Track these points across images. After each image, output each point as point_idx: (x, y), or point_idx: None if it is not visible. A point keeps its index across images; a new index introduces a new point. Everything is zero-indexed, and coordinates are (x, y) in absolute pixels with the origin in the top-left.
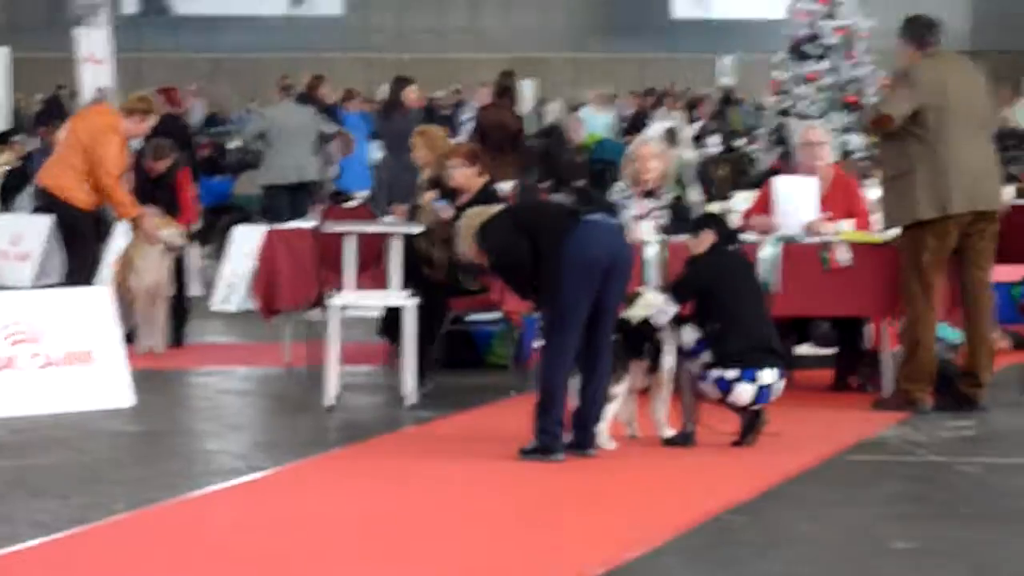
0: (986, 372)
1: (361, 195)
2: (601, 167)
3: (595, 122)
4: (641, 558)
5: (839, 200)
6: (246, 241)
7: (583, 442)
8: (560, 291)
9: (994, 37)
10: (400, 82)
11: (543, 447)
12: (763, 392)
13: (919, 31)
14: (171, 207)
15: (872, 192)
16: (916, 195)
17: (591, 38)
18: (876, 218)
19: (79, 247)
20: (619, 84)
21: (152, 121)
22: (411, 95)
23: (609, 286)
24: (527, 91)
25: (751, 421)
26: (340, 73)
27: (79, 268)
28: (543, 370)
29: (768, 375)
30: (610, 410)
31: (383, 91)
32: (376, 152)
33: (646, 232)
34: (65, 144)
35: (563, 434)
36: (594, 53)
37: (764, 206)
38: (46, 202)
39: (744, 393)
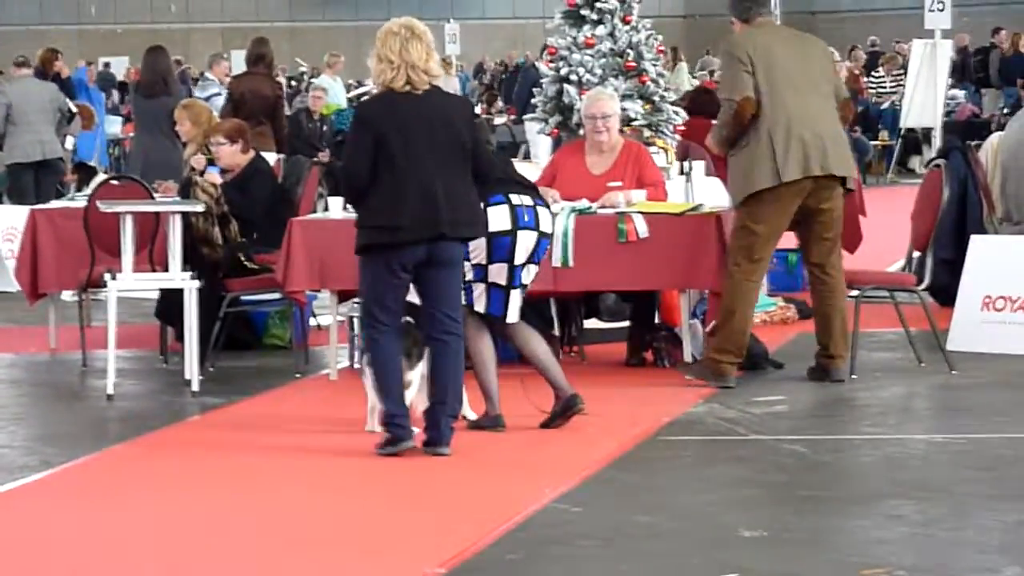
0: (840, 345)
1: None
2: (341, 137)
3: (335, 89)
4: (477, 556)
5: (629, 170)
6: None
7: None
8: None
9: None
10: (160, 53)
11: None
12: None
13: (743, 4)
14: None
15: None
16: (751, 166)
17: (306, 8)
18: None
19: None
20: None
21: None
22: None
23: None
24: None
25: (566, 404)
26: (52, 45)
27: None
28: None
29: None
30: (408, 395)
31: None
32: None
33: None
34: None
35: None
36: (309, 22)
37: (551, 179)
38: None
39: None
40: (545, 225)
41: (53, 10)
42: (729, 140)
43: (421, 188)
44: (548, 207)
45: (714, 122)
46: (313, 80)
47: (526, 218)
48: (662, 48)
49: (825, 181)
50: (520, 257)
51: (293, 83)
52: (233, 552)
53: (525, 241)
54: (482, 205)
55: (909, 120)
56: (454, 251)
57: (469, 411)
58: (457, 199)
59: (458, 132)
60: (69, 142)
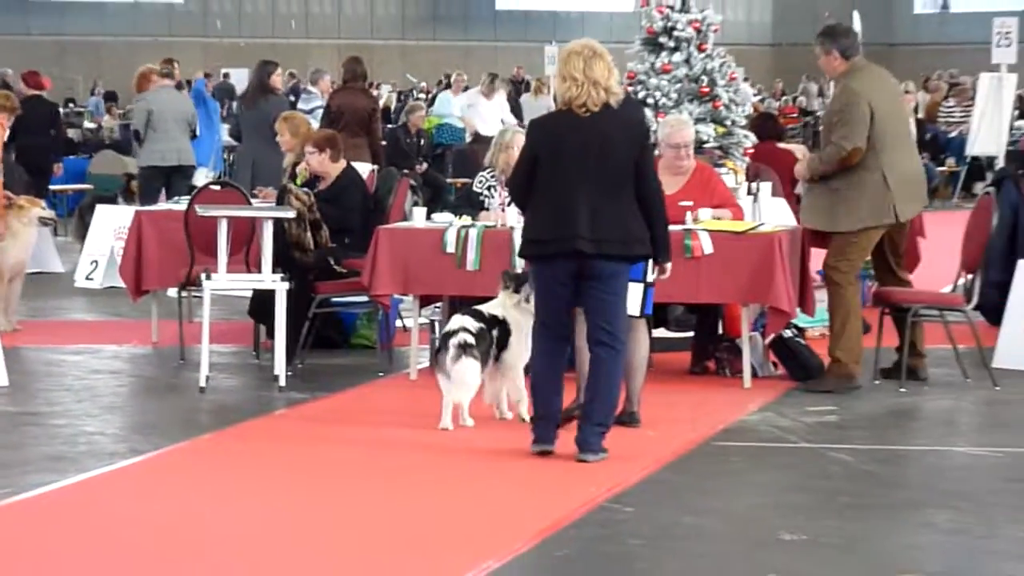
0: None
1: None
2: (441, 150)
3: (449, 106)
4: (540, 544)
5: (701, 191)
6: (109, 220)
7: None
8: None
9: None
10: (266, 66)
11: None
12: None
13: (847, 42)
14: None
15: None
16: (866, 202)
17: (418, 27)
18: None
19: None
20: (444, 71)
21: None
22: (275, 78)
23: None
24: None
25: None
26: (179, 57)
27: None
28: None
29: None
30: (469, 395)
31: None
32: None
33: (512, 218)
34: None
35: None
36: (422, 41)
37: None
38: None
39: None
40: None
41: (181, 24)
42: (826, 175)
43: (563, 206)
44: None
45: (780, 145)
46: (419, 95)
47: None
48: (735, 75)
49: None
50: None
51: (403, 97)
52: (304, 540)
53: None
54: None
55: (975, 148)
56: (602, 267)
57: (525, 412)
58: (605, 218)
59: (619, 153)
60: None
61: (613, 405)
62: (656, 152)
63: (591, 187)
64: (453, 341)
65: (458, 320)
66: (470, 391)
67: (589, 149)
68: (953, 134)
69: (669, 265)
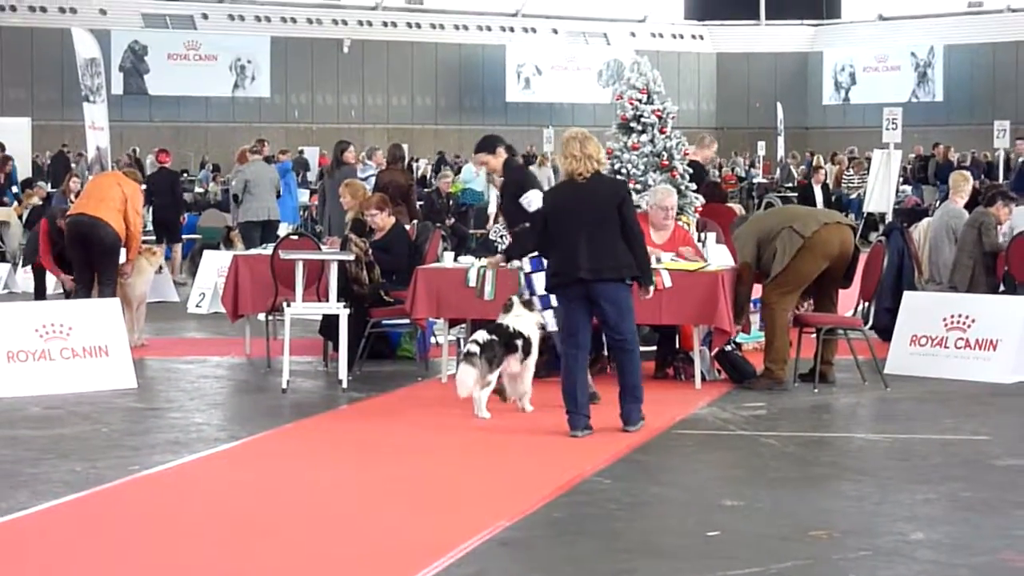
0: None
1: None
2: (465, 208)
3: (471, 175)
4: (541, 508)
5: (678, 242)
6: (214, 261)
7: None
8: None
9: (733, 118)
10: (342, 144)
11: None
12: None
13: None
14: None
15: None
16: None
17: (447, 114)
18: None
19: (112, 265)
20: (468, 150)
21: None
22: (349, 154)
23: None
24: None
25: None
26: (267, 138)
27: (111, 281)
28: None
29: None
30: (485, 393)
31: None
32: (304, 196)
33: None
34: (106, 192)
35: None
36: (449, 126)
37: None
38: (91, 230)
39: None
40: None
41: (268, 113)
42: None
43: (569, 248)
44: None
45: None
46: (448, 167)
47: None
48: (687, 151)
49: None
50: None
51: (433, 168)
52: (365, 500)
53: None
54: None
55: (870, 206)
56: (604, 290)
57: (528, 404)
58: (599, 252)
59: (608, 205)
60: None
61: (640, 388)
62: (645, 210)
63: (587, 231)
64: (462, 351)
65: (476, 334)
66: (465, 388)
67: (585, 204)
68: (853, 196)
69: (652, 287)
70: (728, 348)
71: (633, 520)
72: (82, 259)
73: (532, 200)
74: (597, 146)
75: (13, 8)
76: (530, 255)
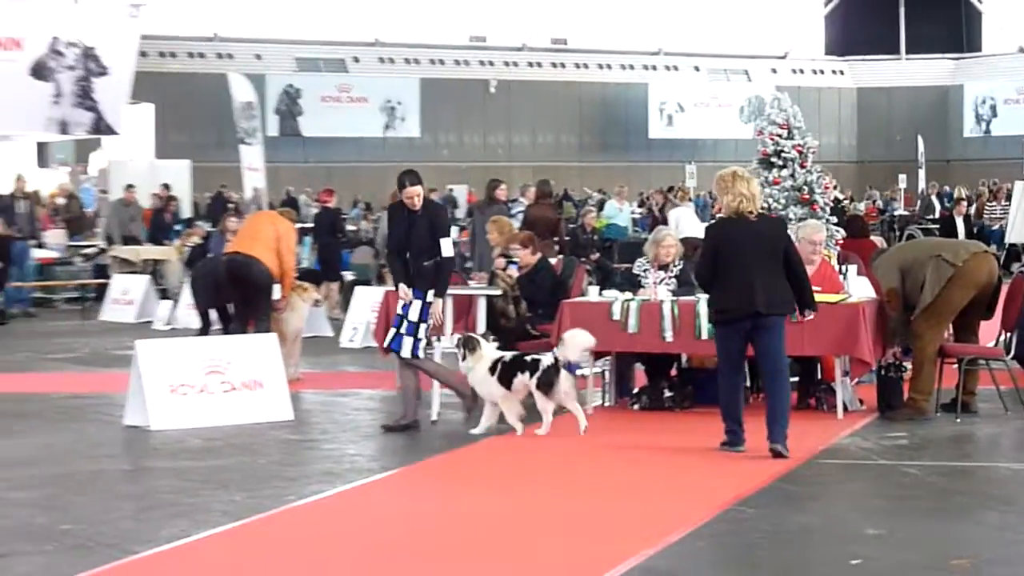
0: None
1: None
2: (609, 243)
3: (614, 210)
4: (685, 537)
5: (822, 277)
6: (366, 298)
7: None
8: None
9: (874, 151)
10: (494, 182)
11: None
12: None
13: None
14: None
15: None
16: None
17: (591, 152)
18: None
19: (266, 301)
20: (611, 186)
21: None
22: (500, 191)
23: None
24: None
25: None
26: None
27: (266, 317)
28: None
29: None
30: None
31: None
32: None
33: (662, 293)
34: (260, 231)
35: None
36: (594, 163)
37: None
38: (245, 268)
39: None
40: None
41: (418, 153)
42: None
43: (744, 283)
44: None
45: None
46: (591, 202)
47: None
48: (828, 185)
49: None
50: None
51: (581, 204)
52: (510, 533)
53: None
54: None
55: (1011, 237)
56: (772, 322)
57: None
58: (774, 289)
59: (776, 244)
60: None
61: (788, 414)
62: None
63: (761, 267)
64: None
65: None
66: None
67: (756, 241)
68: (995, 227)
69: (812, 313)
70: (892, 374)
71: (776, 549)
72: (238, 296)
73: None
74: (757, 187)
75: (173, 55)
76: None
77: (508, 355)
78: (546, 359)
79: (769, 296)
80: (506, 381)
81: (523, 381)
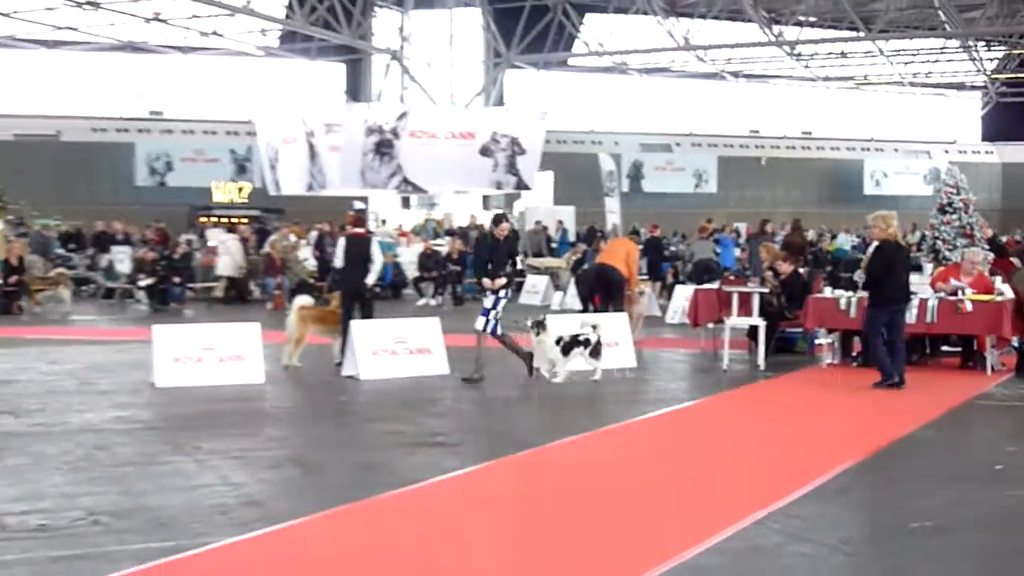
0: None
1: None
2: (837, 261)
3: (843, 240)
4: (881, 451)
5: (980, 282)
6: (681, 292)
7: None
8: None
9: (1014, 203)
10: (764, 221)
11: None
12: None
13: None
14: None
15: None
16: None
17: (825, 203)
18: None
19: (620, 294)
20: (839, 225)
21: None
22: (769, 226)
23: None
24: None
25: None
26: (714, 219)
27: (620, 304)
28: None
29: None
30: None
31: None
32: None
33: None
34: (616, 250)
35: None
36: (828, 211)
37: (945, 277)
38: (608, 273)
39: None
40: None
41: (715, 202)
42: None
43: (901, 282)
44: None
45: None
46: (827, 235)
47: None
48: (984, 226)
49: None
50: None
51: (819, 235)
52: (779, 445)
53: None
54: None
55: None
56: (905, 307)
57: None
58: (908, 285)
59: (909, 258)
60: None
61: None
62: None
63: (906, 272)
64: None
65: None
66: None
67: (903, 255)
68: None
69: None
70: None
71: (943, 457)
72: (603, 290)
73: None
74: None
75: (565, 141)
76: None
77: (567, 334)
78: (593, 337)
79: (909, 290)
80: (565, 351)
81: (578, 352)
